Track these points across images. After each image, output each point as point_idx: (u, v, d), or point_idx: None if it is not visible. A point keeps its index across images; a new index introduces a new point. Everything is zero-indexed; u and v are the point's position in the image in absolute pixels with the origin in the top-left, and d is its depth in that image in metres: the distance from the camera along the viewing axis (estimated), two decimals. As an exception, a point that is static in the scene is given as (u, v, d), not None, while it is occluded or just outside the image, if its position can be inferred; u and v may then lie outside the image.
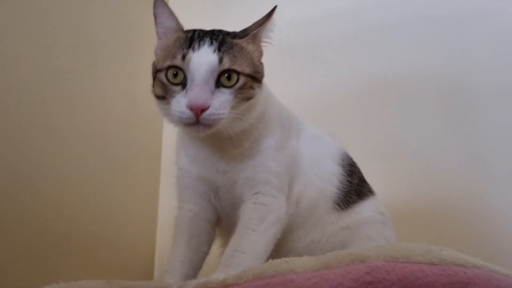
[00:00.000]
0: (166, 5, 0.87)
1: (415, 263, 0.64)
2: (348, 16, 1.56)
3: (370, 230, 0.97)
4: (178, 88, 0.79)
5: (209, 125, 0.78)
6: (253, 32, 0.86)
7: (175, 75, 0.80)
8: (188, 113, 0.76)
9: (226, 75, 0.79)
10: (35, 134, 1.24)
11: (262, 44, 0.88)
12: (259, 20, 0.87)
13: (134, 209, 1.59)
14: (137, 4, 1.65)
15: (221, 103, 0.78)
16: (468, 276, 0.62)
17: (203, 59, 0.78)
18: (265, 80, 0.90)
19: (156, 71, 0.84)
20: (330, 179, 0.98)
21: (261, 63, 0.89)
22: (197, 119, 0.77)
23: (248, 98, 0.83)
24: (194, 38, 0.82)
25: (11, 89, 1.19)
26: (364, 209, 0.99)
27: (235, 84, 0.80)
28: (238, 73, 0.80)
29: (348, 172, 1.00)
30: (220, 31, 0.87)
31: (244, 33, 0.87)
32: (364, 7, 1.54)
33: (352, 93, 1.50)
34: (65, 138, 1.31)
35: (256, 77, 0.84)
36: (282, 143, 0.93)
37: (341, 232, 0.97)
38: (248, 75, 0.82)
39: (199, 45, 0.79)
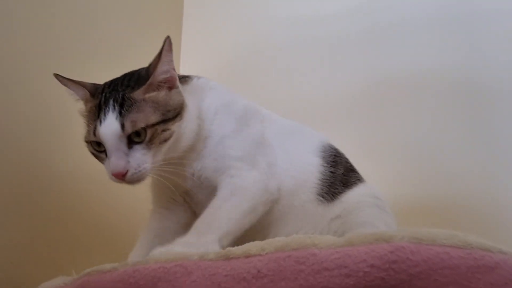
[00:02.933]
0: (65, 78, 0.90)
1: (440, 245, 0.63)
2: (361, 14, 1.58)
3: (365, 215, 0.96)
4: (103, 155, 0.84)
5: (137, 180, 0.82)
6: (148, 83, 0.85)
7: (98, 146, 0.84)
8: (116, 179, 0.81)
9: (135, 133, 0.81)
10: (46, 135, 1.28)
11: (167, 78, 0.87)
12: (154, 61, 0.86)
13: (142, 206, 1.58)
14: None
15: (138, 160, 0.81)
16: (494, 260, 0.61)
17: (108, 130, 0.80)
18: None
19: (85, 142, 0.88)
20: (309, 170, 0.98)
21: (172, 97, 0.87)
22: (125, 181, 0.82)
23: (165, 140, 0.84)
24: (101, 105, 0.83)
25: (22, 91, 1.22)
26: (352, 195, 0.99)
27: (144, 138, 0.82)
28: (144, 128, 0.81)
29: (330, 163, 1.00)
30: (124, 83, 0.86)
31: (143, 81, 0.86)
32: (377, 6, 1.55)
33: (367, 91, 1.50)
34: (73, 139, 1.33)
35: (167, 118, 0.84)
36: (238, 130, 0.94)
37: (333, 223, 0.97)
38: (156, 124, 0.83)
39: (104, 114, 0.82)
